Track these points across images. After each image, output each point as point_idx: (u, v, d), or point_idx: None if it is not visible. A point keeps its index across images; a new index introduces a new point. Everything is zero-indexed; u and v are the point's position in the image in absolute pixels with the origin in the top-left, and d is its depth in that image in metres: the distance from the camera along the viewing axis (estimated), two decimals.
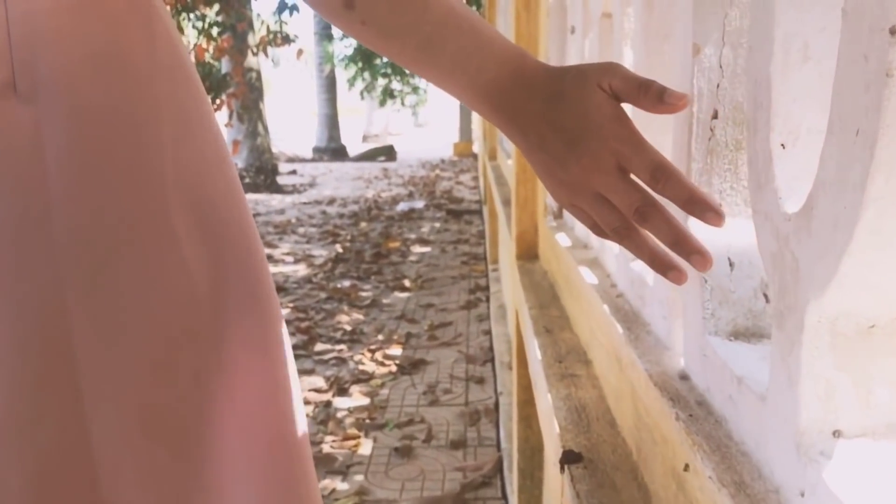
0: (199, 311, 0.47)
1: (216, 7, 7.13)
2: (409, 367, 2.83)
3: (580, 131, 0.47)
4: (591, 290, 0.88)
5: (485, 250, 5.01)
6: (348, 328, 3.35)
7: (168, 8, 0.61)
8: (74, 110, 0.43)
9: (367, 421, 2.37)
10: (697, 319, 0.56)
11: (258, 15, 7.90)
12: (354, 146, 15.42)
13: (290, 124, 23.82)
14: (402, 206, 7.28)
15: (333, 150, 13.95)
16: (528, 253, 1.49)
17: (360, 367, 2.84)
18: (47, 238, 0.42)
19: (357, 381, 2.71)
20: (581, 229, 1.17)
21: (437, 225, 6.27)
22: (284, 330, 0.54)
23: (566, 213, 1.31)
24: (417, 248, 5.23)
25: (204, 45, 7.46)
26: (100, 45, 0.44)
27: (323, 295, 3.93)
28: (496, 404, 2.49)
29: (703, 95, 0.57)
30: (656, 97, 0.46)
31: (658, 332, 0.68)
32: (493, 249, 4.38)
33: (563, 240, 1.19)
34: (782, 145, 0.44)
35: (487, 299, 3.74)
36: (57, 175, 0.42)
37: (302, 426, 0.53)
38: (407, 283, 4.18)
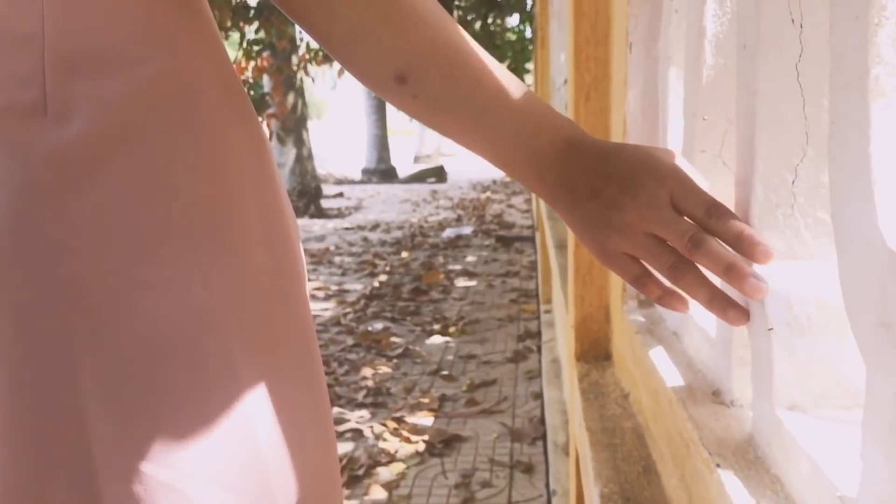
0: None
1: (255, 24, 6.81)
2: (441, 445, 2.30)
3: (636, 172, 0.47)
4: None
5: (536, 285, 4.46)
6: (373, 385, 2.84)
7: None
8: (115, 134, 0.38)
9: None
10: None
11: (300, 32, 7.56)
12: (406, 167, 15.05)
13: (343, 146, 23.73)
14: (448, 233, 6.79)
15: (383, 172, 13.60)
16: (593, 351, 0.95)
17: (381, 443, 2.32)
18: (55, 280, 0.37)
19: (374, 464, 2.19)
20: (694, 346, 0.63)
21: (485, 254, 5.74)
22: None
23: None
24: (462, 282, 4.71)
25: (243, 64, 7.15)
26: (155, 74, 0.40)
27: (350, 341, 3.44)
28: None
29: None
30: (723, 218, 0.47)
31: None
32: (546, 287, 3.83)
33: (661, 360, 0.65)
34: None
35: (539, 349, 3.19)
36: (77, 204, 0.37)
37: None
38: (447, 325, 3.66)
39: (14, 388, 0.37)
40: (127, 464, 0.38)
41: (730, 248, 0.44)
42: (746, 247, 0.43)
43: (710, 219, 0.44)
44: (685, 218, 0.45)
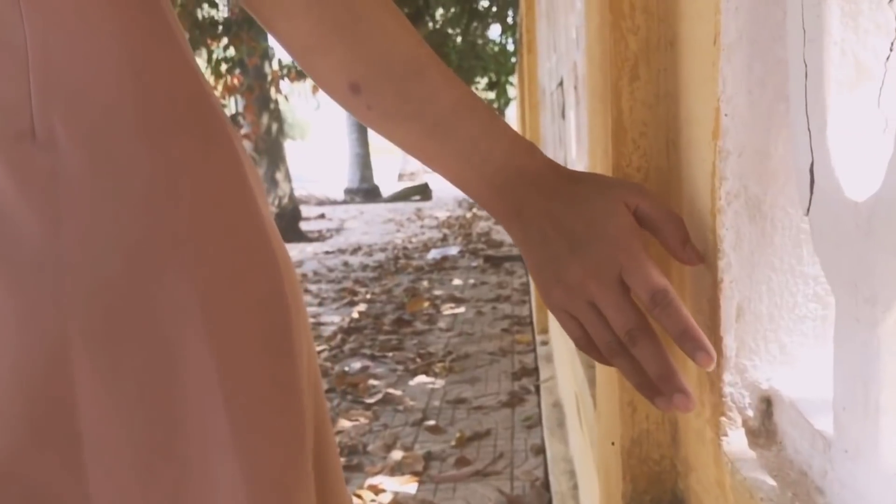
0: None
1: (223, 41, 6.45)
2: None
3: (589, 237, 0.46)
4: None
5: (530, 311, 4.08)
6: (348, 441, 2.45)
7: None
8: (93, 161, 0.41)
9: None
10: None
11: (272, 48, 7.20)
12: (389, 186, 14.68)
13: (326, 166, 23.35)
14: (433, 254, 6.41)
15: (366, 191, 13.23)
16: (654, 492, 0.59)
17: None
18: (56, 287, 0.40)
19: None
20: None
21: (473, 276, 5.37)
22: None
23: (780, 439, 0.41)
24: (448, 310, 4.33)
25: (212, 83, 6.77)
26: (120, 96, 0.42)
27: (324, 385, 3.05)
28: None
29: None
30: (681, 239, 0.46)
31: None
32: (541, 314, 3.45)
33: None
34: None
35: (537, 389, 2.81)
36: (71, 226, 0.41)
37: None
38: (432, 362, 3.27)
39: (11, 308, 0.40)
40: (108, 396, 0.41)
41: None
42: (689, 347, 0.42)
43: (655, 307, 0.43)
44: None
